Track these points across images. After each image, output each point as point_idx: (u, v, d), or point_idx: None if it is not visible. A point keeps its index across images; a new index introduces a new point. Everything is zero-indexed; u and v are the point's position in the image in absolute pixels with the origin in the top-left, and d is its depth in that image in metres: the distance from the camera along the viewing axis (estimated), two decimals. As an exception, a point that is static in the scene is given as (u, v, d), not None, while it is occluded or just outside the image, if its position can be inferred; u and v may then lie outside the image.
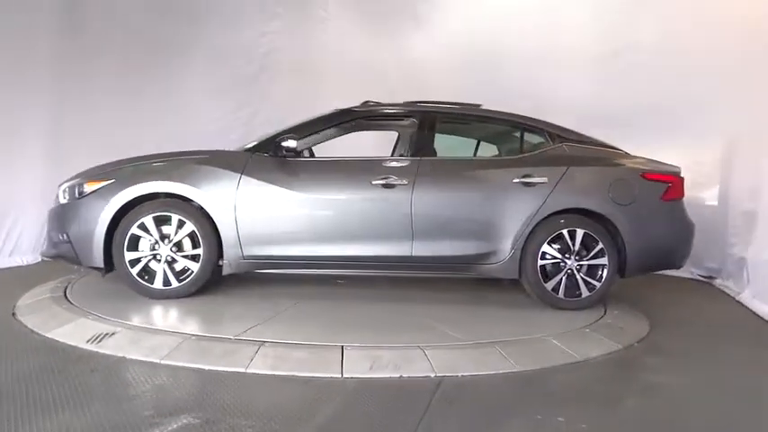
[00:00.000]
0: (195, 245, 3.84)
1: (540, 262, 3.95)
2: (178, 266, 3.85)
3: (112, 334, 3.18)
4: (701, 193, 5.52)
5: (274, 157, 3.93)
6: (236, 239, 3.83)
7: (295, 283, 4.44)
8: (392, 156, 4.70)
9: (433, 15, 6.70)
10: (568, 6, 6.33)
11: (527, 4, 6.49)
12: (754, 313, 4.39)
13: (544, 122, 4.27)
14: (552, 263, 3.97)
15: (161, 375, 2.76)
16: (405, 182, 3.89)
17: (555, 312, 3.95)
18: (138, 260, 3.81)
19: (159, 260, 3.82)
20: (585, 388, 2.95)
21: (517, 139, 4.38)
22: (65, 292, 3.97)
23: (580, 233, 3.94)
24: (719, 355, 3.52)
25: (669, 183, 4.11)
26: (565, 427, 2.42)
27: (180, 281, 3.83)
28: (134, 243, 3.80)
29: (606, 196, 3.99)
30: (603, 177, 4.04)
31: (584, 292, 3.98)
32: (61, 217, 3.93)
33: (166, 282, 3.82)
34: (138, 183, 3.78)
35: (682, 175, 4.23)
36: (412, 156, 4.10)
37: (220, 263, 3.90)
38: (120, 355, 2.98)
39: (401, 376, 2.87)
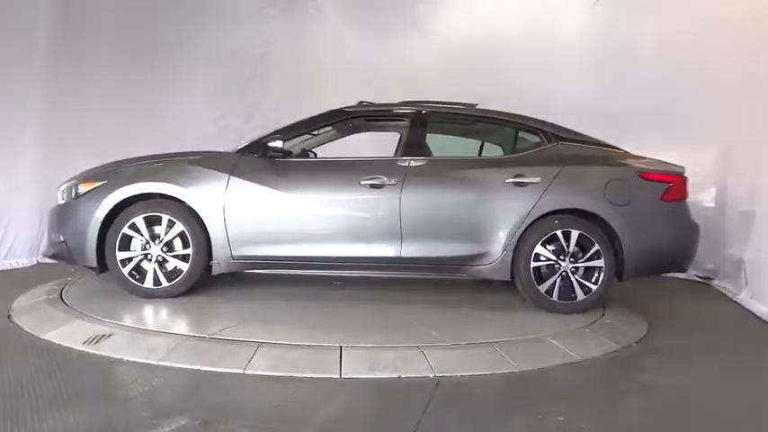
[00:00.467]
0: (186, 245, 3.85)
1: (534, 264, 3.86)
2: (170, 266, 3.87)
3: (109, 335, 3.16)
4: (698, 195, 5.52)
5: (263, 158, 3.94)
6: (225, 240, 3.84)
7: (291, 283, 4.43)
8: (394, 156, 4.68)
9: (430, 16, 6.70)
10: (567, 8, 6.34)
11: (527, 5, 6.50)
12: (752, 314, 4.39)
13: (540, 122, 4.22)
14: (547, 265, 3.88)
15: (158, 377, 2.74)
16: (393, 182, 3.86)
17: (553, 313, 3.90)
18: (129, 260, 3.83)
19: (150, 260, 3.84)
20: (585, 388, 2.94)
21: (511, 139, 4.33)
22: (61, 294, 3.95)
23: (575, 234, 3.85)
24: (718, 356, 3.51)
25: (669, 183, 4.00)
26: (565, 427, 2.41)
27: (170, 281, 3.85)
28: (126, 243, 3.84)
29: (602, 196, 3.89)
30: (599, 177, 3.95)
31: (580, 295, 3.88)
32: (58, 217, 4.01)
33: (157, 281, 3.84)
34: (129, 184, 3.82)
35: (685, 176, 4.10)
36: (402, 155, 4.08)
37: (211, 263, 3.90)
38: (117, 356, 2.96)
39: (400, 377, 2.85)
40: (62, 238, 3.92)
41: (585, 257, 3.87)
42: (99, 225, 3.79)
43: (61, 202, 4.03)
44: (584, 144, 4.17)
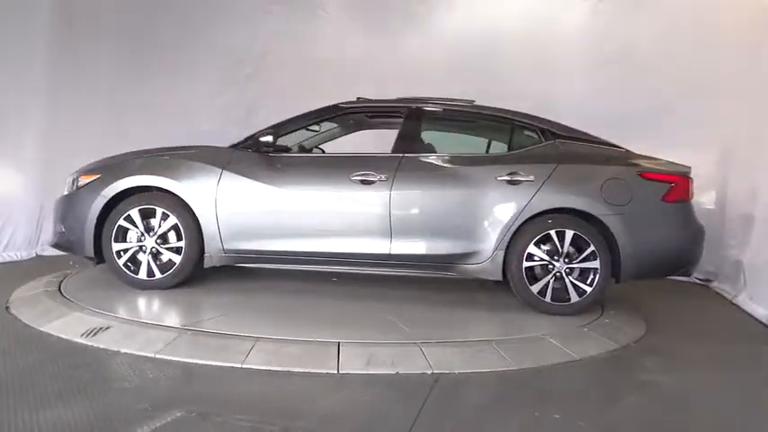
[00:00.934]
0: (180, 238, 3.89)
1: (527, 264, 3.78)
2: (164, 258, 3.92)
3: (107, 328, 3.16)
4: (698, 196, 5.50)
5: (256, 154, 3.96)
6: (216, 233, 3.87)
7: (289, 278, 4.42)
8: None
9: (431, 15, 6.70)
10: (567, 8, 6.34)
11: (527, 4, 6.49)
12: (751, 316, 4.39)
13: (538, 119, 4.16)
14: (541, 265, 3.81)
15: (156, 369, 2.75)
16: (383, 178, 3.84)
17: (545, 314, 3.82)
18: (125, 251, 3.89)
19: (145, 252, 3.89)
20: (583, 386, 2.95)
21: (507, 136, 4.26)
22: (59, 287, 3.95)
23: (569, 234, 3.75)
24: (716, 356, 3.51)
25: (671, 183, 3.86)
26: (561, 425, 2.41)
27: (163, 273, 3.89)
28: (123, 235, 3.90)
29: (598, 196, 3.78)
30: (595, 176, 3.84)
31: (574, 297, 3.78)
32: (60, 208, 4.11)
33: (150, 273, 3.89)
34: (125, 177, 3.88)
35: (689, 176, 3.97)
36: (394, 152, 4.04)
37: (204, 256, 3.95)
38: (115, 348, 2.96)
39: (398, 372, 2.85)
40: (62, 229, 4.03)
41: (580, 258, 3.78)
42: (96, 216, 3.86)
43: (66, 192, 4.13)
44: (583, 142, 4.08)
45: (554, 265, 3.79)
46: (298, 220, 3.90)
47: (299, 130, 4.24)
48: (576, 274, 3.82)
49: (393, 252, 3.86)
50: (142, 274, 3.88)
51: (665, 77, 5.69)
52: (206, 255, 3.92)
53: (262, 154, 3.95)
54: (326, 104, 4.27)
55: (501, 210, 3.82)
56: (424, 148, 4.15)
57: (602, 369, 3.18)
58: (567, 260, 3.79)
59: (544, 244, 3.81)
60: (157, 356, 2.88)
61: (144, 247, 3.88)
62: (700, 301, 5.08)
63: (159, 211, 3.86)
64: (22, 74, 5.36)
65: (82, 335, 3.09)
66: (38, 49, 5.51)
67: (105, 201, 3.86)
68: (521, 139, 4.19)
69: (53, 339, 3.11)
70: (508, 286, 3.99)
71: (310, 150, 4.48)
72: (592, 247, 3.76)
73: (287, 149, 4.10)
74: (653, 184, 3.86)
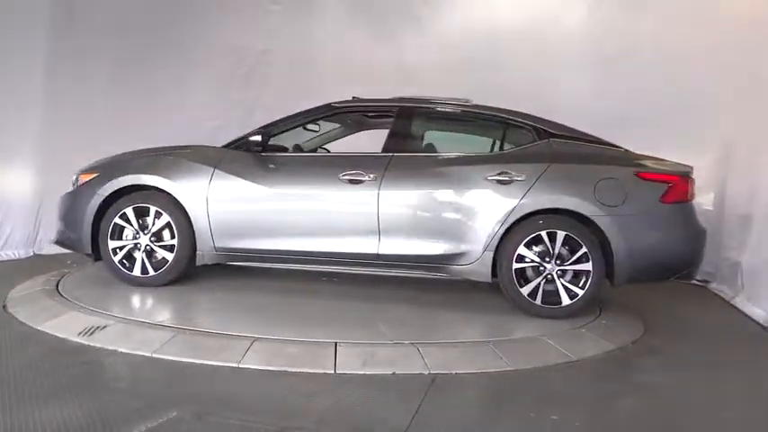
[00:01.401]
0: (173, 236, 3.93)
1: (517, 265, 3.68)
2: (159, 256, 3.96)
3: (104, 327, 3.16)
4: (697, 197, 5.51)
5: (248, 153, 3.98)
6: (207, 231, 3.89)
7: (284, 277, 4.42)
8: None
9: (432, 14, 6.69)
10: (567, 8, 6.33)
11: (526, 5, 6.49)
12: (749, 317, 4.38)
13: (533, 118, 4.09)
14: (532, 267, 3.70)
15: (152, 369, 2.75)
16: (372, 177, 3.81)
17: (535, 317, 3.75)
18: (121, 248, 3.94)
19: (140, 249, 3.94)
20: (579, 387, 2.95)
21: (500, 135, 4.22)
22: (57, 285, 3.95)
23: (560, 235, 3.64)
24: (713, 357, 3.51)
25: (669, 183, 3.74)
26: (558, 425, 2.41)
27: (157, 270, 3.92)
28: (119, 232, 3.96)
29: (590, 196, 3.66)
30: (588, 176, 3.73)
31: (565, 300, 3.66)
32: (62, 206, 4.16)
33: (144, 270, 3.93)
34: (121, 176, 3.94)
35: (690, 176, 3.86)
36: (384, 151, 4.00)
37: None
38: (112, 347, 2.96)
39: (395, 373, 2.84)
40: (63, 226, 4.11)
41: (572, 260, 3.66)
42: (93, 214, 3.92)
43: (69, 190, 4.19)
44: (579, 141, 4.00)
45: (545, 267, 3.70)
46: (287, 220, 3.91)
47: (291, 129, 4.22)
48: (568, 276, 3.71)
49: (381, 252, 3.84)
50: (136, 272, 3.93)
51: (665, 77, 5.68)
52: (198, 253, 3.94)
53: (253, 154, 3.97)
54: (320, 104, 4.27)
55: (490, 210, 3.73)
56: (414, 147, 4.14)
57: (600, 370, 3.18)
58: (558, 262, 3.68)
59: (536, 245, 3.71)
60: (154, 356, 2.88)
61: (139, 245, 3.92)
62: (698, 303, 5.08)
63: (153, 209, 3.91)
64: (20, 74, 5.35)
65: (79, 334, 3.09)
66: (37, 48, 5.49)
67: (102, 199, 3.91)
68: (514, 138, 4.14)
69: (50, 338, 3.11)
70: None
71: (306, 151, 4.47)
72: (584, 249, 3.65)
73: (281, 149, 4.11)
74: (650, 185, 3.74)
